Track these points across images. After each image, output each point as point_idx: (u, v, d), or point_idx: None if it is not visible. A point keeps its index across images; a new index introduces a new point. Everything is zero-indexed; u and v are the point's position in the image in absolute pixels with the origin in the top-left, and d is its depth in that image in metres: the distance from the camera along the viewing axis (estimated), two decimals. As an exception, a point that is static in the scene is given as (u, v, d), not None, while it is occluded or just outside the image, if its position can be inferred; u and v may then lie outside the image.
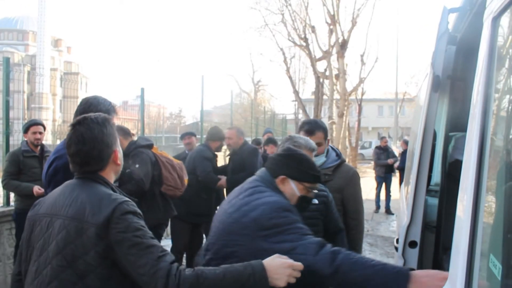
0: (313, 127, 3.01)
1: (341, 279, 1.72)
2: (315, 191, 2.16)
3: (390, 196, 11.06)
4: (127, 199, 1.64)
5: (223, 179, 5.27)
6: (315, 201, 2.42)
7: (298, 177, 2.08)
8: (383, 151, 11.25)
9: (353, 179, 3.07)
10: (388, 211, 10.91)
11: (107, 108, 2.49)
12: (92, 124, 1.70)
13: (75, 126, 1.71)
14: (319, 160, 2.99)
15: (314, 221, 2.42)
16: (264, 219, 1.86)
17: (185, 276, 1.49)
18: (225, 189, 5.65)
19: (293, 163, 2.10)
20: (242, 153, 5.36)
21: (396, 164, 10.96)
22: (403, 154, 10.55)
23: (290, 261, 1.64)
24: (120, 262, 1.53)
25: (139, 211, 1.63)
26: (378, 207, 11.21)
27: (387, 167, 11.06)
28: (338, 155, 3.19)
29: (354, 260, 1.73)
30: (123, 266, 1.53)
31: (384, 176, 11.12)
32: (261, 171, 2.17)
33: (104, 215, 1.54)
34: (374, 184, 11.85)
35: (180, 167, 4.54)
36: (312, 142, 2.61)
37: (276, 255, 1.67)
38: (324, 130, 3.05)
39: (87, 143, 1.67)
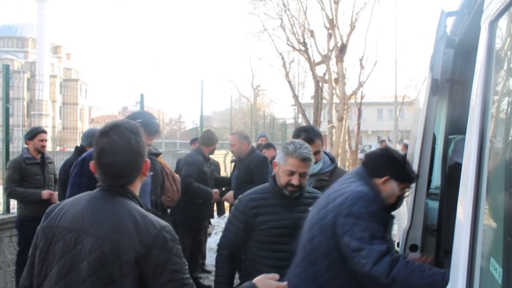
0: (311, 135, 2.99)
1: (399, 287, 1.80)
2: (408, 190, 2.22)
3: (390, 199, 11.02)
4: (165, 223, 1.56)
5: (230, 193, 5.09)
6: None
7: (401, 177, 2.12)
8: (383, 154, 11.22)
9: None
10: (388, 215, 10.87)
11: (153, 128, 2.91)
12: (127, 133, 1.58)
13: (108, 134, 1.58)
14: (316, 167, 3.00)
15: None
16: (345, 205, 1.95)
17: None
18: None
19: (398, 164, 2.14)
20: (250, 162, 4.97)
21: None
22: (403, 157, 10.50)
23: (277, 284, 1.75)
24: None
25: (176, 236, 1.57)
26: (378, 210, 11.16)
27: (387, 170, 11.02)
28: (332, 159, 3.21)
29: (411, 270, 1.80)
30: None
31: (384, 180, 11.08)
32: (357, 168, 2.23)
33: (145, 241, 1.47)
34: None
35: (178, 181, 4.57)
36: (305, 153, 2.49)
37: (265, 276, 1.77)
38: (321, 136, 3.06)
39: (124, 154, 1.56)
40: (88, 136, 4.36)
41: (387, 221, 2.14)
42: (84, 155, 3.01)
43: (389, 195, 2.10)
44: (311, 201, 2.55)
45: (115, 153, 1.55)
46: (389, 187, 2.10)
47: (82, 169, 2.88)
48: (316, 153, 2.96)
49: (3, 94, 5.24)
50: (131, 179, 1.61)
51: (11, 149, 5.19)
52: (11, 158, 5.00)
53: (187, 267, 1.56)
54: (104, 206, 1.55)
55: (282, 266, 2.24)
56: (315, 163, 2.89)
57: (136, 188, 1.66)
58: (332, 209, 2.01)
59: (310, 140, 2.90)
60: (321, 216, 2.07)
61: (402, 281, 1.78)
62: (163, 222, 1.56)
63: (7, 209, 5.18)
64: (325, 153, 3.21)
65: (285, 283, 1.78)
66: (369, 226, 1.90)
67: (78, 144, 4.76)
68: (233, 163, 5.62)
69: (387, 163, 2.14)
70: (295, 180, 2.48)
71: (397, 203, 2.18)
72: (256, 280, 1.75)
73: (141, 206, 1.62)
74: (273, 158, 6.20)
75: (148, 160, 1.67)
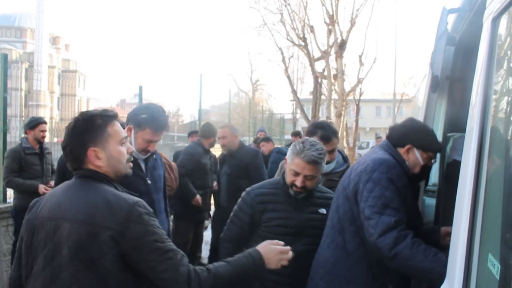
0: (328, 133, 2.89)
1: (399, 264, 1.85)
2: (433, 161, 2.20)
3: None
4: (137, 199, 1.59)
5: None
6: (324, 211, 2.42)
7: (424, 146, 2.13)
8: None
9: None
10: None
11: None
12: (77, 122, 1.63)
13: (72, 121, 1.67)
14: (329, 167, 2.90)
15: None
16: (365, 172, 2.00)
17: (204, 278, 1.58)
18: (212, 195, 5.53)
19: (420, 132, 2.16)
20: (242, 157, 4.88)
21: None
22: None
23: (281, 248, 1.80)
24: (138, 265, 1.53)
25: (150, 209, 1.59)
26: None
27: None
28: (345, 158, 3.13)
29: (415, 250, 1.81)
30: (141, 269, 1.54)
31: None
32: (383, 141, 2.26)
33: (118, 219, 1.50)
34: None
35: (175, 169, 4.55)
36: (312, 155, 2.33)
37: (269, 242, 1.82)
38: (337, 134, 2.97)
39: (68, 139, 1.63)
40: None
41: (415, 190, 2.18)
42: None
43: (413, 164, 2.11)
44: (322, 201, 2.49)
45: (66, 138, 1.64)
46: (413, 156, 2.11)
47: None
48: (331, 151, 2.86)
49: (1, 83, 5.21)
50: (80, 164, 1.63)
51: (8, 139, 5.18)
52: (8, 148, 4.99)
53: (166, 236, 1.58)
54: (79, 192, 1.60)
55: (285, 266, 2.19)
56: (329, 162, 2.80)
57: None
58: (353, 177, 2.07)
59: (326, 138, 2.79)
60: (345, 186, 2.13)
61: (403, 259, 1.81)
62: (136, 198, 1.60)
63: (4, 198, 5.19)
64: (339, 151, 3.12)
65: (288, 247, 1.82)
66: (384, 194, 1.91)
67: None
68: (219, 160, 5.41)
69: (408, 131, 2.16)
70: (298, 182, 2.37)
71: (423, 174, 2.18)
72: (259, 246, 1.79)
73: (116, 189, 1.64)
74: (272, 151, 6.22)
75: (94, 150, 1.62)
